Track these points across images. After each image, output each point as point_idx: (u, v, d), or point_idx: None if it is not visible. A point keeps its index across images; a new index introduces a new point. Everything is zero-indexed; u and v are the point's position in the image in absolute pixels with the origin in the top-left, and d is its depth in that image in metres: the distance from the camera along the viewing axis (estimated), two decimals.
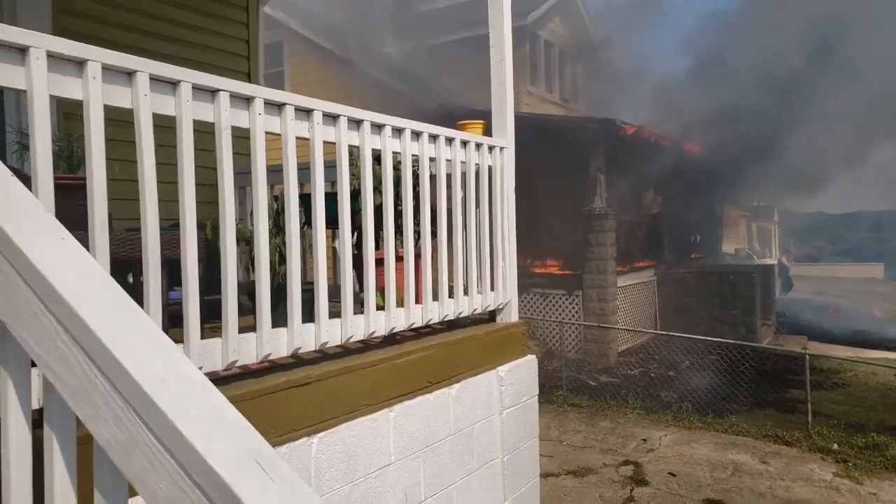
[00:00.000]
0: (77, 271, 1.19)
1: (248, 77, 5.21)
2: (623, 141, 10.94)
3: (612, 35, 13.65)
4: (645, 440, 6.87)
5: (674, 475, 5.99)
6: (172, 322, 2.46)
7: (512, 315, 3.94)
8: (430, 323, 3.29)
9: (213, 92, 2.21)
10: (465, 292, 3.53)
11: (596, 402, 8.22)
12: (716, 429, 7.24)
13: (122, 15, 4.44)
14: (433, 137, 3.23)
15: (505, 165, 3.89)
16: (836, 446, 6.63)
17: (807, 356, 7.50)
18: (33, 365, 1.28)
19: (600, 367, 10.09)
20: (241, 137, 2.34)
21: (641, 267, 12.62)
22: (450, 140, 3.36)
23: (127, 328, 1.12)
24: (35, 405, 1.36)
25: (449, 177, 3.40)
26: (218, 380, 2.33)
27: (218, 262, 2.35)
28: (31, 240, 1.19)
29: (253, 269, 2.58)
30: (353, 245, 3.13)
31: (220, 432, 1.01)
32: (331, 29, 13.10)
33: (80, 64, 1.87)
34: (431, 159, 3.26)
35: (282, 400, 2.42)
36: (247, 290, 2.66)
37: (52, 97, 1.83)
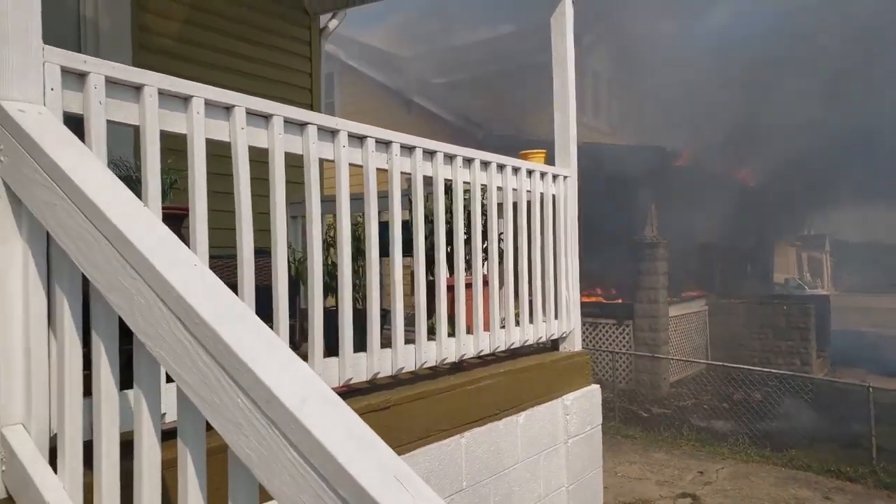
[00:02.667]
0: (213, 296, 1.26)
1: (311, 108, 5.38)
2: (673, 169, 10.86)
3: (660, 61, 13.58)
4: (701, 472, 6.70)
5: None
6: None
7: (576, 344, 3.94)
8: (496, 351, 3.32)
9: (302, 125, 2.32)
10: (531, 320, 3.56)
11: (649, 433, 8.07)
12: (774, 462, 7.03)
13: (196, 51, 4.66)
14: (500, 167, 3.29)
15: (568, 194, 3.93)
16: None
17: (870, 389, 7.26)
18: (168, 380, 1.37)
19: (652, 398, 9.90)
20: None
21: (693, 297, 12.41)
22: (516, 170, 3.42)
23: (264, 351, 1.18)
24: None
25: (515, 205, 3.46)
26: None
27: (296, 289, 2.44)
28: (170, 267, 1.27)
29: (331, 295, 2.66)
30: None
31: (360, 450, 1.06)
32: (384, 61, 13.42)
33: (185, 100, 1.99)
34: (498, 188, 3.32)
35: None
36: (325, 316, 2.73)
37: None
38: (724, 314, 12.61)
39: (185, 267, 1.30)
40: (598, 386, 3.98)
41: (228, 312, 1.23)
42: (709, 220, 13.50)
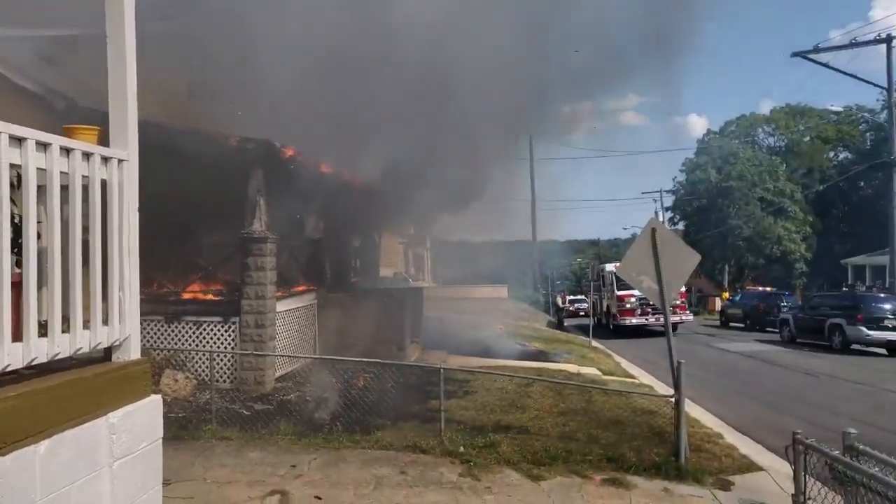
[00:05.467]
0: None
1: None
2: (283, 164, 10.89)
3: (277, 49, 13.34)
4: (294, 466, 6.79)
5: (319, 498, 6.00)
6: None
7: (132, 352, 3.50)
8: (14, 368, 2.71)
9: None
10: (66, 329, 3.01)
11: (247, 433, 7.89)
12: (363, 446, 7.51)
13: None
14: (17, 140, 2.69)
15: (125, 180, 3.47)
16: (462, 449, 7.41)
17: (441, 369, 8.28)
18: None
19: (256, 396, 9.77)
20: None
21: (302, 291, 12.69)
22: (44, 146, 2.84)
23: None
24: None
25: (42, 189, 2.87)
26: None
27: None
28: None
29: None
30: None
31: None
32: None
33: None
34: (14, 166, 2.71)
35: None
36: None
37: None
38: (332, 307, 13.20)
39: None
40: (160, 396, 3.60)
41: None
42: (321, 216, 14.00)
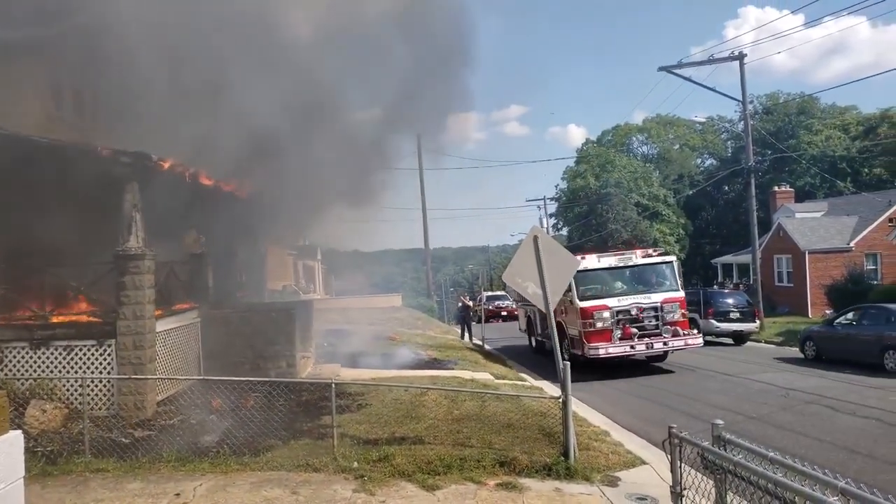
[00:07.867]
0: None
1: None
2: (159, 177, 10.36)
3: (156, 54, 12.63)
4: (178, 494, 6.46)
5: None
6: None
7: None
8: None
9: None
10: None
11: (126, 462, 7.42)
12: (252, 468, 7.27)
13: None
14: None
15: None
16: (356, 464, 7.33)
17: (332, 384, 8.14)
18: None
19: (136, 422, 9.21)
20: None
21: (184, 309, 12.10)
22: None
23: None
24: None
25: None
26: None
27: None
28: None
29: None
30: None
31: None
32: None
33: None
34: None
35: None
36: None
37: None
38: (217, 324, 12.67)
39: None
40: (20, 432, 3.32)
41: None
42: (202, 231, 13.41)
